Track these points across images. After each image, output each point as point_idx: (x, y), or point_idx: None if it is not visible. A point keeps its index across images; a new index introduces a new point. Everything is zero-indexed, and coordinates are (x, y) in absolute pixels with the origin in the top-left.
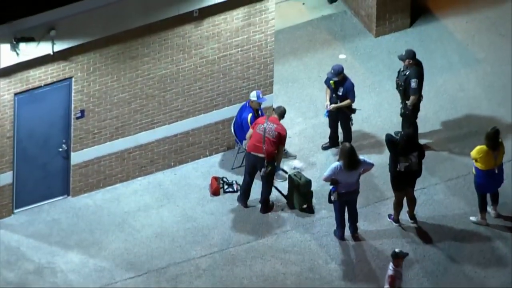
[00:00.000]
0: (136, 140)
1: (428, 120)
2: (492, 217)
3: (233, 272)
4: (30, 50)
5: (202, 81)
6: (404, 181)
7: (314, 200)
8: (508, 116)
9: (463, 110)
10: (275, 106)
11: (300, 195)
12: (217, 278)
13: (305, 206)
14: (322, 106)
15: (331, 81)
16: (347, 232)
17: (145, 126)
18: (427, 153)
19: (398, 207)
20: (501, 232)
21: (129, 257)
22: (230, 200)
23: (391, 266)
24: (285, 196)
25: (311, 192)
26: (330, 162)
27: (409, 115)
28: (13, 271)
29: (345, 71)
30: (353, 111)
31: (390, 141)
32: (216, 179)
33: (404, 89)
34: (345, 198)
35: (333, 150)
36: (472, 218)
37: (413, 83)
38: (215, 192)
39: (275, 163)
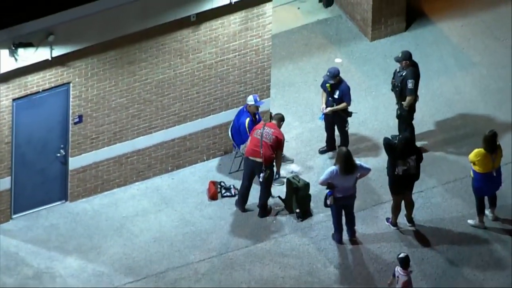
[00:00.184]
0: (133, 145)
1: (425, 123)
2: (490, 220)
3: (231, 277)
4: (28, 56)
5: (199, 86)
6: (402, 185)
7: (312, 204)
8: (504, 118)
9: (460, 113)
10: (272, 110)
11: (299, 198)
12: (216, 283)
13: (297, 211)
14: (318, 110)
15: (327, 84)
16: (345, 236)
17: (142, 131)
18: (424, 156)
19: (396, 210)
20: (499, 235)
21: (127, 261)
22: (228, 204)
23: (400, 271)
24: (283, 200)
25: (309, 196)
26: (327, 166)
27: (405, 116)
28: (12, 276)
29: (341, 75)
30: (349, 114)
31: (388, 144)
32: (214, 183)
33: (400, 90)
34: (341, 203)
35: (330, 154)
36: (470, 221)
37: (410, 84)
38: (213, 197)
39: (273, 168)
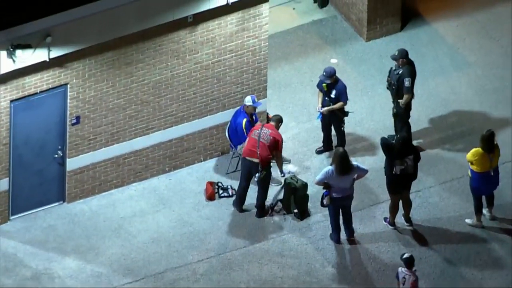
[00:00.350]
0: (131, 146)
1: (421, 122)
2: (488, 220)
3: (230, 277)
4: (26, 57)
5: (196, 87)
6: (400, 184)
7: (309, 204)
8: (500, 118)
9: (456, 113)
10: (268, 111)
11: (297, 198)
12: (215, 283)
13: (296, 211)
14: (315, 110)
15: (324, 84)
16: (343, 236)
17: (140, 131)
18: (421, 155)
19: (393, 210)
20: (497, 234)
21: (126, 262)
22: (226, 204)
23: (406, 271)
24: (281, 200)
25: (307, 196)
26: (324, 166)
27: (402, 114)
28: (11, 277)
29: (337, 75)
30: (346, 114)
31: (386, 144)
32: (211, 184)
33: (397, 88)
34: (338, 203)
35: (327, 154)
36: (468, 221)
37: (407, 82)
38: (210, 197)
39: (270, 169)
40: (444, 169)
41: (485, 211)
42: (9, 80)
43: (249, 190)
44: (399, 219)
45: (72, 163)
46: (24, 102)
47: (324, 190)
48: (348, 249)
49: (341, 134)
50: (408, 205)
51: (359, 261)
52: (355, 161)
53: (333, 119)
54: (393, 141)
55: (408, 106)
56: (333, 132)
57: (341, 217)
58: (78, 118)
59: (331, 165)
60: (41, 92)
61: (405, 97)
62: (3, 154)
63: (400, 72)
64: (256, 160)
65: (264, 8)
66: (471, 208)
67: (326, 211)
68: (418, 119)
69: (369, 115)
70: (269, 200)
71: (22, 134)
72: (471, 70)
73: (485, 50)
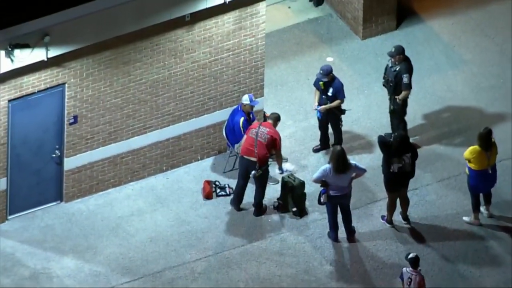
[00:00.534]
0: (128, 145)
1: (417, 121)
2: (485, 217)
3: (228, 275)
4: (24, 57)
5: (193, 85)
6: (397, 182)
7: (307, 203)
8: (496, 116)
9: (452, 111)
10: (265, 109)
11: (295, 197)
12: (213, 282)
13: (294, 209)
14: (311, 109)
15: (321, 82)
16: (341, 234)
17: (137, 131)
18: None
19: (391, 208)
20: (495, 231)
21: (124, 261)
22: (223, 203)
23: (412, 271)
24: (278, 199)
25: (305, 194)
26: (321, 164)
27: (399, 110)
28: (9, 277)
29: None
30: (343, 111)
31: (383, 142)
32: (208, 183)
33: (394, 85)
34: (335, 201)
35: (324, 152)
36: (465, 218)
37: (405, 78)
38: (208, 196)
39: (268, 167)
40: (441, 166)
41: (482, 209)
42: (7, 79)
43: (246, 189)
44: (397, 217)
45: (69, 163)
46: (22, 102)
47: (322, 188)
48: (346, 247)
49: (338, 132)
50: (405, 203)
51: (357, 259)
52: (352, 160)
53: (330, 117)
54: (391, 139)
55: (404, 103)
56: (330, 130)
57: (340, 217)
58: (75, 117)
59: (329, 163)
60: (39, 91)
61: (404, 93)
62: (1, 154)
63: (397, 69)
64: (254, 159)
65: (261, 6)
66: (469, 206)
67: (323, 209)
68: (414, 117)
69: (366, 113)
70: (266, 199)
71: (20, 133)
72: (467, 68)
73: (480, 48)
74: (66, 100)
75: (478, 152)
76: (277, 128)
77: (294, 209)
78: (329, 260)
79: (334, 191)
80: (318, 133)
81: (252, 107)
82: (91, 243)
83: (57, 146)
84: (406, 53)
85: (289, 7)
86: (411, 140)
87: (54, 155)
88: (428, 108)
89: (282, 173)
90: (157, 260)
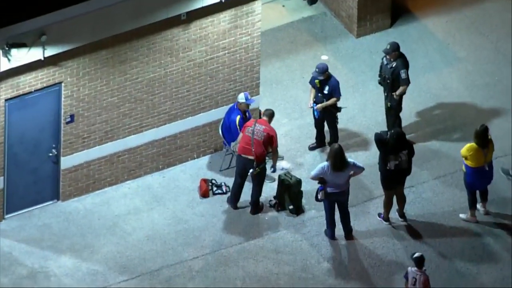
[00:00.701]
0: (125, 144)
1: (413, 118)
2: (482, 214)
3: (226, 273)
4: (21, 56)
5: (189, 84)
6: (394, 180)
7: (303, 200)
8: (492, 113)
9: (447, 108)
10: (261, 108)
11: (291, 194)
12: (210, 280)
13: (291, 207)
14: (306, 107)
15: (316, 80)
16: (338, 232)
17: (133, 129)
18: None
19: (388, 205)
20: (492, 228)
21: (121, 260)
22: (220, 201)
23: (416, 271)
24: (275, 197)
25: (301, 192)
26: (317, 162)
27: (396, 107)
28: (7, 276)
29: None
30: (339, 109)
31: (379, 139)
32: (205, 181)
33: (392, 81)
34: (333, 198)
35: (320, 150)
36: (462, 216)
37: (403, 74)
38: (204, 194)
39: (265, 165)
40: (437, 164)
41: (479, 206)
42: (3, 79)
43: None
44: (393, 214)
45: (66, 162)
46: (18, 101)
47: (319, 185)
48: (343, 245)
49: (334, 130)
50: (402, 201)
51: (354, 257)
52: (349, 158)
53: (326, 115)
54: (387, 137)
55: (400, 99)
56: (326, 128)
57: (337, 215)
58: (72, 116)
59: (327, 160)
60: (36, 90)
61: (402, 88)
62: None
63: (393, 65)
64: (251, 157)
65: (257, 5)
66: (465, 203)
67: (320, 207)
68: (409, 115)
69: (361, 111)
70: (262, 197)
71: (16, 132)
72: (461, 65)
73: (475, 45)
74: (62, 99)
75: (475, 150)
76: (273, 127)
77: (291, 207)
78: (326, 257)
79: (332, 188)
80: (314, 131)
81: (248, 105)
82: (88, 241)
83: (53, 145)
84: (401, 51)
85: (283, 6)
86: (406, 137)
87: (51, 154)
88: (423, 105)
89: (274, 171)
90: (154, 258)
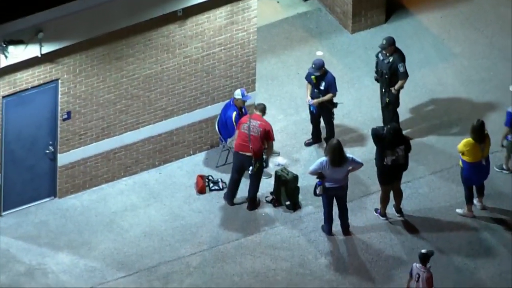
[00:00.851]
0: (121, 140)
1: (408, 114)
2: (478, 209)
3: (223, 269)
4: (18, 53)
5: (186, 80)
6: (391, 175)
7: (300, 196)
8: (487, 108)
9: (443, 104)
10: (256, 104)
11: (288, 190)
12: (208, 276)
13: (288, 203)
14: (302, 103)
15: (313, 76)
16: (335, 227)
17: (130, 126)
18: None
19: (384, 201)
20: (488, 223)
21: (119, 256)
22: (217, 198)
23: (421, 268)
24: (272, 193)
25: (298, 188)
26: (314, 158)
27: (394, 102)
28: (5, 273)
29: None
30: (335, 105)
31: (376, 135)
32: (201, 177)
33: (390, 76)
34: (331, 193)
35: (316, 146)
36: (459, 210)
37: (401, 68)
38: (201, 191)
39: (263, 160)
40: (433, 159)
41: (475, 201)
42: (1, 76)
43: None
44: (390, 209)
45: (63, 159)
46: (15, 98)
47: (317, 180)
48: (340, 241)
49: (330, 126)
50: (399, 196)
51: (352, 252)
52: (349, 154)
53: (323, 111)
54: (384, 132)
55: (398, 94)
56: (322, 124)
57: (336, 210)
58: (69, 113)
59: (325, 156)
60: (33, 87)
61: (401, 82)
62: None
63: (391, 60)
64: (249, 154)
65: (253, 1)
66: (462, 198)
67: (317, 203)
68: (405, 110)
69: (357, 107)
70: (259, 193)
71: (14, 129)
72: (456, 61)
73: (470, 41)
74: (59, 96)
75: (472, 145)
76: (268, 121)
77: (288, 202)
78: (323, 253)
79: (330, 183)
80: (310, 127)
81: (244, 102)
82: (86, 238)
83: (50, 142)
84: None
85: (278, 2)
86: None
87: (47, 151)
88: (419, 101)
89: (266, 166)
90: (151, 255)
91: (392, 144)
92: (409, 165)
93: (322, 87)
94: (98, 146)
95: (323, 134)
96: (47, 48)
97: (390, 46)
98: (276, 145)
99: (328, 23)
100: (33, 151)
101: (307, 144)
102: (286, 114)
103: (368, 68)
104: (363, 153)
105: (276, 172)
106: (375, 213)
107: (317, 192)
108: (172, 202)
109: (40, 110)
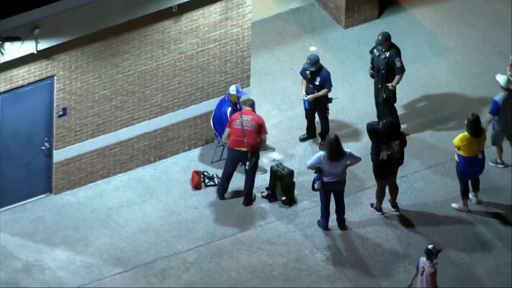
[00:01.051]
0: (117, 137)
1: (402, 109)
2: (474, 204)
3: (220, 265)
4: (14, 50)
5: (181, 76)
6: (386, 170)
7: (295, 191)
8: (481, 103)
9: (437, 98)
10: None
11: (283, 186)
12: (205, 271)
13: (283, 198)
14: (296, 98)
15: (308, 72)
16: (331, 222)
17: (125, 122)
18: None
19: (380, 196)
20: (484, 218)
21: (115, 252)
22: (212, 193)
23: (426, 262)
24: (267, 188)
25: (294, 183)
26: (308, 153)
27: (391, 98)
28: (2, 270)
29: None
30: (330, 100)
31: (372, 129)
32: (197, 173)
33: (387, 71)
34: (329, 188)
35: (311, 141)
36: (454, 205)
37: (398, 62)
38: (196, 186)
39: (259, 155)
40: (427, 154)
41: (471, 195)
42: None
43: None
44: (386, 204)
45: (58, 155)
46: (11, 95)
47: (316, 175)
48: (336, 236)
49: (325, 121)
50: (394, 191)
51: (348, 247)
52: (347, 149)
53: (318, 107)
54: (379, 127)
55: (395, 89)
56: (316, 119)
57: (333, 205)
58: (64, 109)
59: (324, 150)
60: (28, 84)
61: (397, 77)
62: None
63: (387, 55)
64: (244, 149)
65: None
66: (457, 193)
67: (312, 198)
68: (399, 105)
69: (351, 102)
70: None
71: (9, 126)
72: (450, 55)
73: (463, 35)
74: (55, 93)
75: (468, 139)
76: (264, 118)
77: (283, 198)
78: (319, 248)
79: (328, 177)
80: (304, 122)
81: (238, 98)
82: (82, 234)
83: (46, 139)
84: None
85: None
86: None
87: (43, 148)
88: (413, 96)
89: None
90: (148, 250)
91: (388, 139)
92: (404, 160)
93: (317, 83)
94: (94, 143)
95: (318, 129)
96: (43, 45)
97: (386, 41)
98: (271, 141)
99: (321, 18)
100: (29, 148)
101: (302, 140)
102: (280, 109)
103: (362, 63)
104: (358, 148)
105: (271, 167)
106: (370, 208)
107: (315, 186)
108: (167, 198)
109: (36, 107)
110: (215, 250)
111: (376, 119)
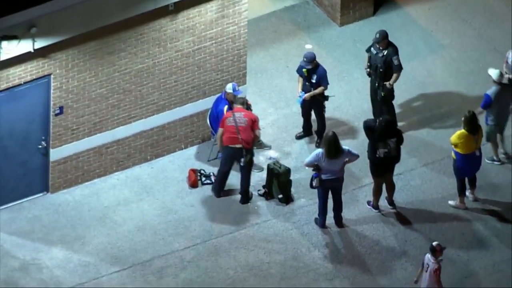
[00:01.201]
0: (113, 135)
1: (399, 106)
2: (471, 201)
3: (217, 263)
4: (11, 48)
5: (177, 74)
6: (383, 167)
7: (292, 189)
8: (477, 100)
9: (433, 96)
10: (248, 97)
11: (280, 184)
12: (202, 269)
13: (280, 196)
14: (292, 96)
15: (304, 69)
16: (328, 220)
17: (122, 120)
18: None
19: (377, 193)
20: (481, 215)
21: (113, 251)
22: (209, 191)
23: (431, 259)
24: (264, 186)
25: (290, 181)
26: (305, 151)
27: (389, 96)
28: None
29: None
30: (326, 98)
31: (368, 127)
32: (193, 171)
33: (385, 70)
34: (328, 185)
35: (307, 139)
36: (451, 202)
37: (396, 60)
38: (193, 185)
39: (254, 152)
40: (424, 151)
41: (467, 192)
42: None
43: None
44: (382, 202)
45: (55, 154)
46: (8, 94)
47: (314, 172)
48: (333, 233)
49: (322, 119)
50: (391, 188)
51: (345, 245)
52: (345, 146)
53: (314, 104)
54: (376, 124)
55: (392, 87)
56: (313, 117)
57: (330, 203)
58: (61, 108)
59: (322, 148)
60: (25, 83)
61: (395, 75)
62: None
63: (385, 53)
64: (239, 146)
65: None
66: (454, 190)
67: (309, 196)
68: (395, 103)
69: (347, 100)
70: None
71: (6, 125)
72: (445, 52)
73: (458, 32)
74: (52, 91)
75: (466, 137)
76: (259, 116)
77: (280, 196)
78: (316, 246)
79: (327, 174)
80: (300, 120)
81: (235, 96)
82: (79, 233)
83: (43, 137)
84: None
85: None
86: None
87: (40, 146)
88: (409, 93)
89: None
90: (145, 249)
91: (384, 136)
92: (401, 157)
93: (313, 80)
94: (91, 141)
95: (314, 127)
96: (40, 43)
97: (384, 39)
98: (267, 139)
99: (316, 16)
100: (25, 147)
101: (298, 137)
102: (276, 107)
103: (357, 61)
104: (355, 145)
105: (268, 165)
106: (367, 205)
107: (314, 184)
108: (164, 196)
109: (32, 106)
110: (212, 248)
111: (372, 117)
